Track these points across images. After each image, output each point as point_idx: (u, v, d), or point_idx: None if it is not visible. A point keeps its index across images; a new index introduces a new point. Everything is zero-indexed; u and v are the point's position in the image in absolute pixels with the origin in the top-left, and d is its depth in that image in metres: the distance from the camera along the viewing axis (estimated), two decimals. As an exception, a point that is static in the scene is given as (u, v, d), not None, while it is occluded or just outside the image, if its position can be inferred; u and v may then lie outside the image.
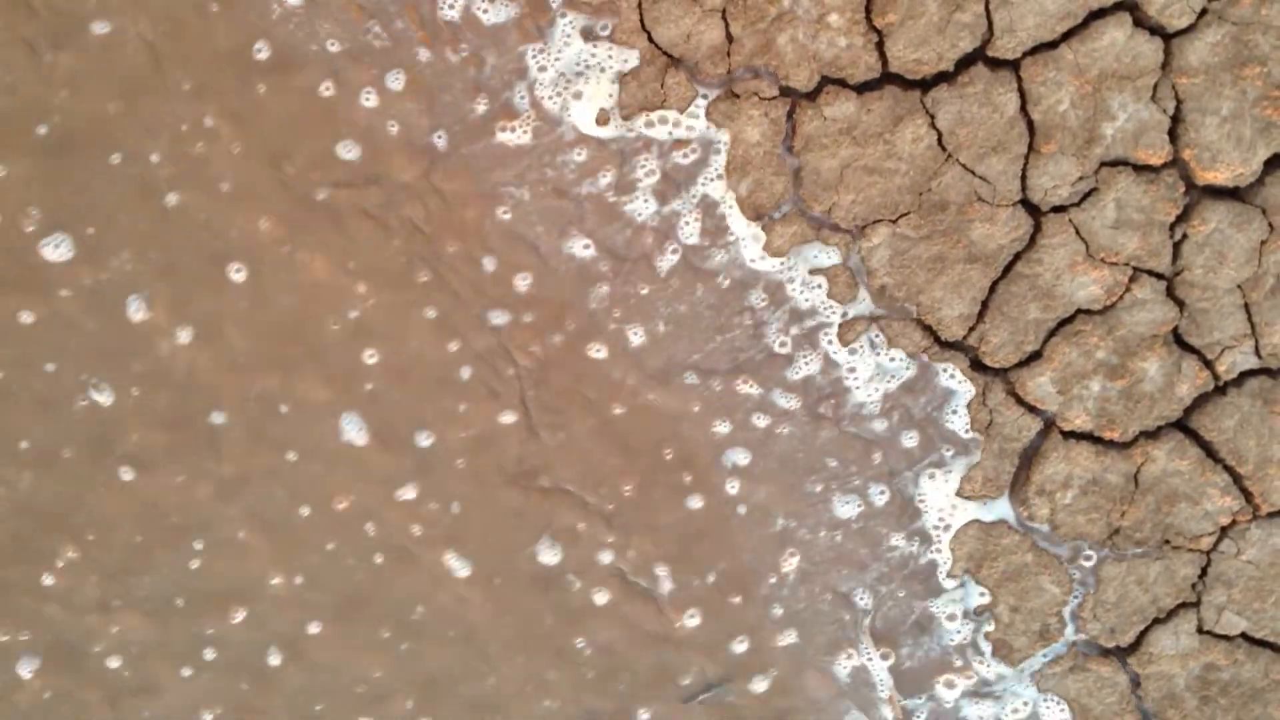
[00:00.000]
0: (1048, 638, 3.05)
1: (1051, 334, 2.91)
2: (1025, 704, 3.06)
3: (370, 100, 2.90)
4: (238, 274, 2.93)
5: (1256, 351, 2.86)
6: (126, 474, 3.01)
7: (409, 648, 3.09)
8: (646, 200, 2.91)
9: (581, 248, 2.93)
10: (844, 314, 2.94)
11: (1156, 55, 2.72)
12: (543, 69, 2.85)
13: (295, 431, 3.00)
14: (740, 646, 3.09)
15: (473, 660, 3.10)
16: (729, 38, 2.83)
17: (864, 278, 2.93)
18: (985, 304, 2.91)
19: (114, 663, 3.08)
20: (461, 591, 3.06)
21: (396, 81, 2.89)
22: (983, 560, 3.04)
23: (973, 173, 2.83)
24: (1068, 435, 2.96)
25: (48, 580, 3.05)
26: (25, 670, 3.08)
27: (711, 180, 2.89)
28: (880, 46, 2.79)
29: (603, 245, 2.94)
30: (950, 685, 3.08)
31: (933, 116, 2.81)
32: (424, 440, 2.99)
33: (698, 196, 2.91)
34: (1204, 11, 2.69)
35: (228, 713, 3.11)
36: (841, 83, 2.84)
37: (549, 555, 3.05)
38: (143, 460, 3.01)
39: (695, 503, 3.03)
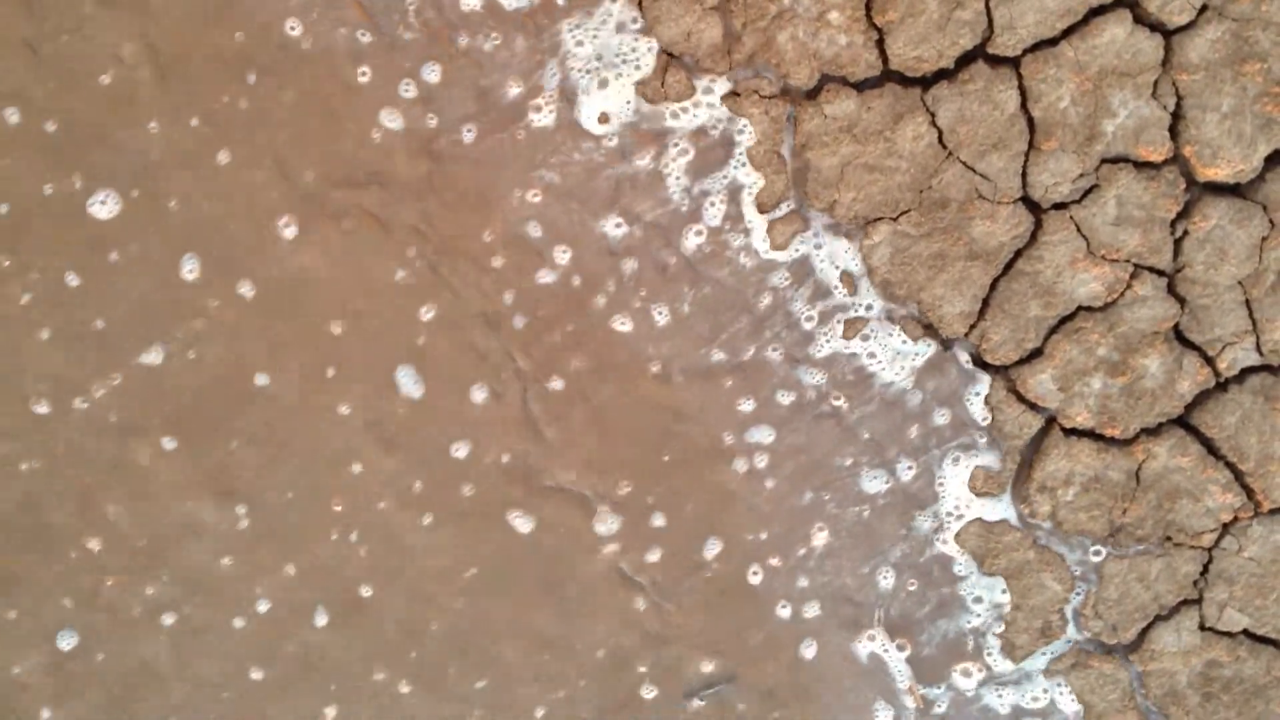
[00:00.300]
0: (1049, 635, 3.05)
1: (1052, 331, 2.91)
2: (1045, 691, 3.05)
3: (410, 91, 2.90)
4: (287, 230, 2.93)
5: (1258, 348, 2.86)
6: (169, 443, 3.01)
7: (465, 605, 3.09)
8: (679, 177, 2.90)
9: (614, 226, 2.92)
10: (866, 306, 2.94)
11: (1157, 52, 2.72)
12: (580, 44, 2.84)
13: (348, 387, 3.00)
14: (768, 627, 3.09)
15: (529, 623, 3.11)
16: (729, 36, 2.83)
17: (865, 275, 2.93)
18: (986, 301, 2.91)
19: (168, 619, 3.08)
20: (516, 551, 3.07)
21: (433, 74, 2.89)
22: (985, 557, 3.04)
23: (973, 170, 2.83)
24: (1069, 432, 2.96)
25: (92, 544, 3.04)
26: (66, 642, 3.08)
27: (742, 165, 2.89)
28: (880, 44, 2.79)
29: (632, 224, 2.93)
30: (967, 674, 3.07)
31: (933, 114, 2.81)
32: (478, 394, 2.98)
33: (728, 178, 2.90)
34: (1204, 8, 2.69)
35: (277, 673, 3.11)
36: (842, 80, 2.84)
37: (605, 525, 3.06)
38: (189, 424, 3.01)
39: (723, 475, 3.04)
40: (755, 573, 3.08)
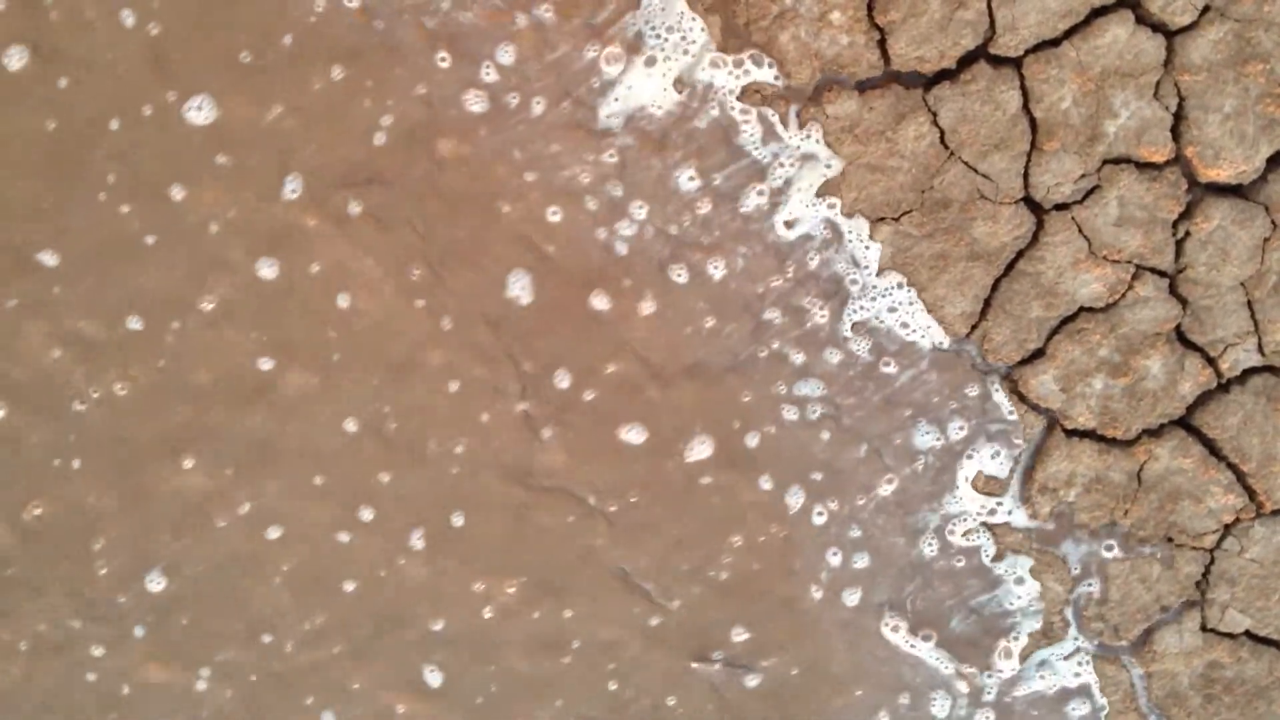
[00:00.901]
0: (1051, 636, 3.04)
1: (1054, 332, 2.90)
2: (1081, 666, 3.05)
3: (490, 74, 2.88)
4: (379, 138, 2.91)
5: (1259, 349, 2.86)
6: (265, 364, 2.99)
7: (575, 520, 3.07)
8: (753, 132, 2.87)
9: (687, 179, 2.89)
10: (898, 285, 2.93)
11: (1159, 52, 2.72)
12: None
13: (457, 300, 2.98)
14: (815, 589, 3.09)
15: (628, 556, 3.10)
16: (731, 35, 2.83)
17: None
18: (988, 302, 2.91)
19: (274, 533, 3.07)
20: (631, 472, 3.05)
21: (506, 55, 2.87)
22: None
23: (975, 170, 2.83)
24: (1071, 433, 2.96)
25: (188, 463, 3.03)
26: (155, 583, 3.08)
27: (808, 138, 2.87)
28: (882, 44, 2.79)
29: (706, 178, 2.91)
30: (1007, 655, 3.06)
31: (935, 114, 2.81)
32: (599, 302, 2.97)
33: (799, 147, 2.87)
34: (1206, 9, 2.69)
35: (368, 585, 3.10)
36: (843, 81, 2.83)
37: (701, 450, 3.04)
38: (292, 346, 2.99)
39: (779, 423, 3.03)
40: (821, 512, 3.05)
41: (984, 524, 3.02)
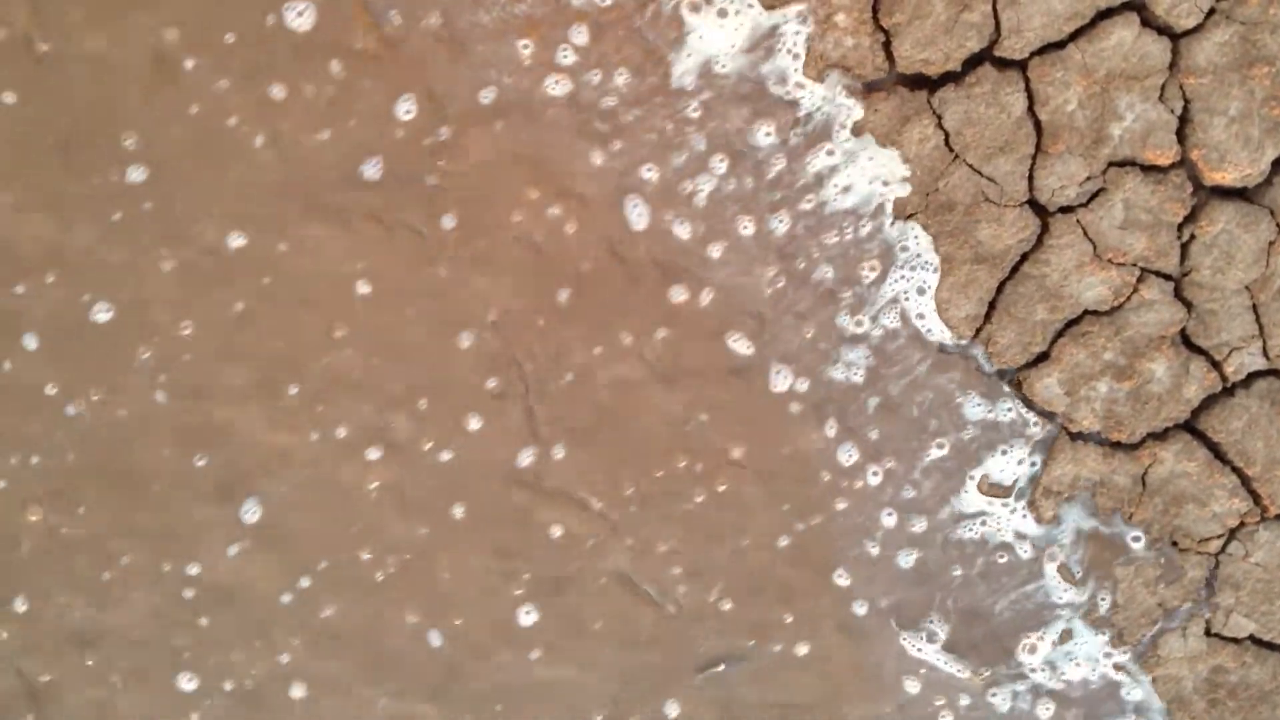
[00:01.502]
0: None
1: (1059, 335, 2.90)
2: (1105, 656, 3.04)
3: (567, 57, 2.86)
4: (486, 97, 2.90)
5: (1264, 353, 2.85)
6: (363, 287, 2.98)
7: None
8: (808, 92, 2.85)
9: (763, 135, 2.87)
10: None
11: (1164, 55, 2.71)
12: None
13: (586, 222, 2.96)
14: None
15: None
16: (735, 37, 2.83)
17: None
18: (992, 305, 2.90)
19: (373, 453, 3.07)
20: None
21: (580, 36, 2.86)
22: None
23: (980, 173, 2.82)
24: (1075, 437, 2.95)
25: (293, 389, 3.02)
26: (250, 515, 3.08)
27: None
28: (887, 46, 2.78)
29: (782, 133, 2.88)
30: (1031, 651, 3.05)
31: (940, 117, 2.81)
32: (677, 230, 2.95)
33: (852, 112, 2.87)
34: (1212, 11, 2.69)
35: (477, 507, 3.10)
36: (848, 83, 2.83)
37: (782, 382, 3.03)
38: (384, 270, 2.98)
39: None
40: (875, 473, 3.03)
41: (988, 527, 3.01)
